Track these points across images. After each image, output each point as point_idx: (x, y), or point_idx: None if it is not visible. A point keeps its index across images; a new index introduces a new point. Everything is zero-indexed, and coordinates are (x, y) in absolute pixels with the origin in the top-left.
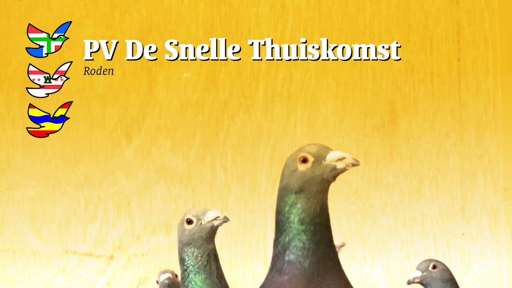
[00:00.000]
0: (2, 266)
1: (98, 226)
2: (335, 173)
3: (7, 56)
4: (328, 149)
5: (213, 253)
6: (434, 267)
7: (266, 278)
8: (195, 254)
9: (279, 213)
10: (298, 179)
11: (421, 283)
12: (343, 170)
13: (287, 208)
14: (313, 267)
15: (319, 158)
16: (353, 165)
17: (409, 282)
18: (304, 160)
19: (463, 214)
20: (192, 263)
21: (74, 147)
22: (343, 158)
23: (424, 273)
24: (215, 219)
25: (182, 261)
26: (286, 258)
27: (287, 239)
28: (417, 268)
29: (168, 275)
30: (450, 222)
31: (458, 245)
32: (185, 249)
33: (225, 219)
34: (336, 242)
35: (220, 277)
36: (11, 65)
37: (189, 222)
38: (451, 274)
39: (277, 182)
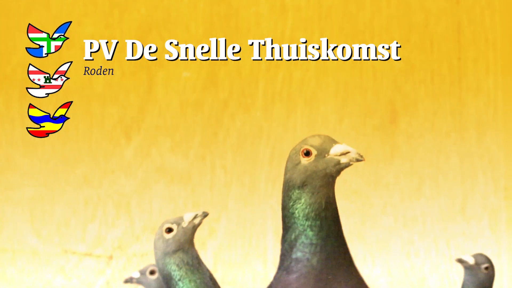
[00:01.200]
0: (1, 266)
1: (97, 226)
2: (338, 168)
3: (6, 55)
4: (332, 142)
5: (199, 257)
6: (486, 268)
7: (274, 277)
8: (185, 260)
9: (284, 208)
10: (301, 173)
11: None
12: (347, 165)
13: (291, 203)
14: (322, 264)
15: (322, 152)
16: (357, 160)
17: (458, 260)
18: (307, 153)
19: (464, 214)
20: (184, 270)
21: (74, 147)
22: (347, 152)
23: (474, 264)
24: (195, 217)
25: (169, 274)
26: (293, 256)
27: (293, 236)
28: (474, 257)
29: None
30: (450, 222)
31: (458, 245)
32: (173, 259)
33: (204, 214)
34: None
35: (212, 279)
36: (10, 64)
37: (170, 230)
38: (489, 283)
39: (277, 182)
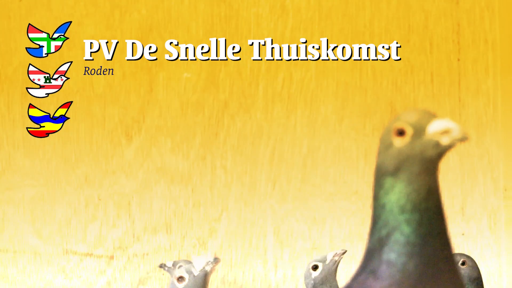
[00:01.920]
0: (2, 266)
1: (98, 226)
2: (439, 151)
3: (7, 56)
4: (430, 117)
5: None
6: (463, 263)
7: (355, 279)
8: None
9: (374, 198)
10: (394, 158)
11: None
12: (450, 147)
13: (382, 193)
14: (421, 270)
15: (419, 130)
16: (462, 140)
17: None
18: (401, 133)
19: (463, 214)
20: None
21: (74, 147)
22: (449, 130)
23: None
24: (207, 264)
25: None
26: (385, 256)
27: (384, 232)
28: None
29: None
30: (450, 222)
31: (458, 245)
32: None
33: (216, 260)
34: (338, 250)
35: None
36: (11, 65)
37: (181, 279)
38: (479, 273)
39: (277, 182)
